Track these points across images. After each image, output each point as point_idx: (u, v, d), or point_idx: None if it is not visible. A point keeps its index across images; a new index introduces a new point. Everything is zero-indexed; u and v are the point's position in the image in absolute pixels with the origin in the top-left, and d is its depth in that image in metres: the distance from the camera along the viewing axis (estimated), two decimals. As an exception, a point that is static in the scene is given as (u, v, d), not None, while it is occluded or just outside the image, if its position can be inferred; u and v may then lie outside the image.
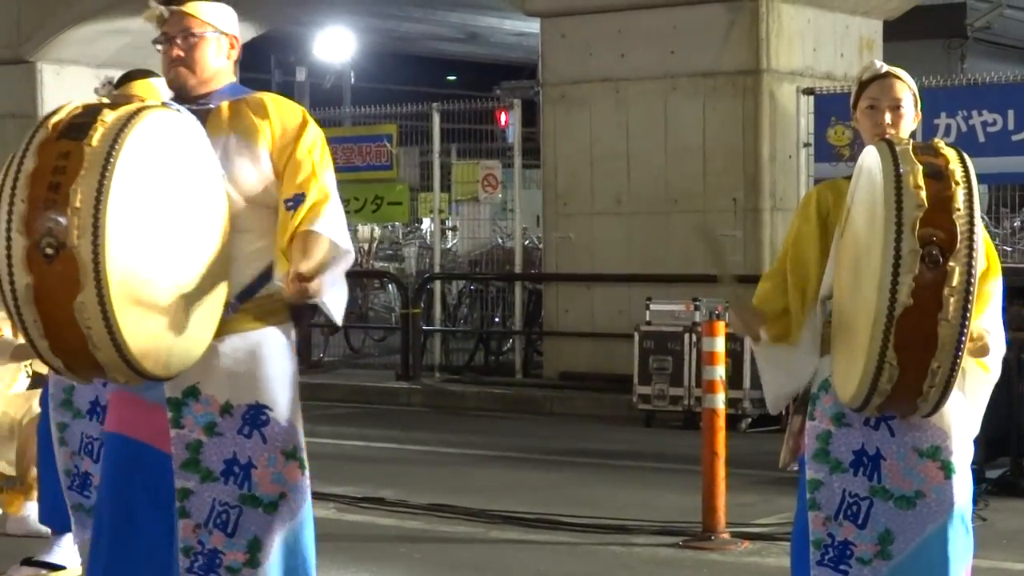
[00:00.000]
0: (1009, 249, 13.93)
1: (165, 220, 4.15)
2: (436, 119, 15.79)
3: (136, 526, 4.47)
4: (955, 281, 4.11)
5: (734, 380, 11.62)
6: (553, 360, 14.69)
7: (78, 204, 3.86)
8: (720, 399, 7.80)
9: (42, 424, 6.58)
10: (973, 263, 4.13)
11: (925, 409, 4.35)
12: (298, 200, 4.43)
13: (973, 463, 4.72)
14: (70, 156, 3.92)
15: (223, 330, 4.42)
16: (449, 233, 17.71)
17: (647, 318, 12.72)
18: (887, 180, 4.19)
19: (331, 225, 4.43)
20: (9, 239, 3.89)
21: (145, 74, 6.52)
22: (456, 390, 14.55)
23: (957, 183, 4.19)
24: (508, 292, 16.12)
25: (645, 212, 13.93)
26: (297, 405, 4.56)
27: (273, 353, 4.51)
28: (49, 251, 3.87)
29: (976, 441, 4.80)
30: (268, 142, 4.48)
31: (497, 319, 16.69)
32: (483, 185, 16.57)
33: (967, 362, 4.57)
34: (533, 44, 17.14)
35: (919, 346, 4.15)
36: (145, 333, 4.05)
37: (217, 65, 4.56)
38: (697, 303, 12.48)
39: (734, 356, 11.58)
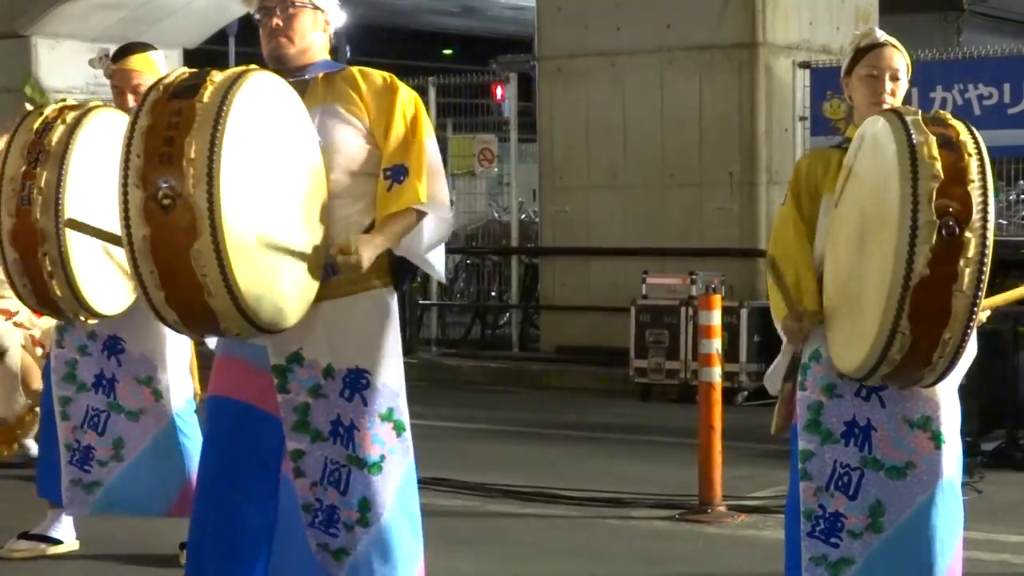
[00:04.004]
0: (1005, 222, 13.94)
1: (272, 176, 4.28)
2: (432, 93, 15.78)
3: (239, 485, 4.59)
4: (971, 252, 4.13)
5: (730, 353, 11.63)
6: (549, 334, 14.70)
7: (193, 155, 4.00)
8: (716, 372, 7.81)
9: (44, 397, 6.58)
10: (988, 234, 4.15)
11: (930, 379, 4.36)
12: (397, 172, 4.54)
13: (968, 435, 4.74)
14: (182, 112, 4.09)
15: (323, 294, 4.52)
16: (445, 207, 17.67)
17: (643, 292, 12.74)
18: (900, 151, 4.19)
19: (430, 201, 4.56)
20: (126, 193, 4.05)
21: (143, 47, 6.52)
22: (453, 364, 14.56)
23: (970, 154, 4.21)
24: (504, 266, 16.11)
25: (641, 186, 13.92)
26: (398, 366, 4.67)
27: (372, 316, 4.62)
28: (166, 202, 4.02)
29: (971, 413, 4.82)
30: (364, 112, 4.59)
31: (493, 293, 16.69)
32: (479, 159, 16.55)
33: None
34: (529, 17, 17.10)
35: (933, 316, 4.16)
36: (258, 282, 4.17)
37: (313, 36, 4.68)
38: (693, 276, 12.50)
39: (730, 329, 11.61)
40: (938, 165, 4.14)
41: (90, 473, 6.23)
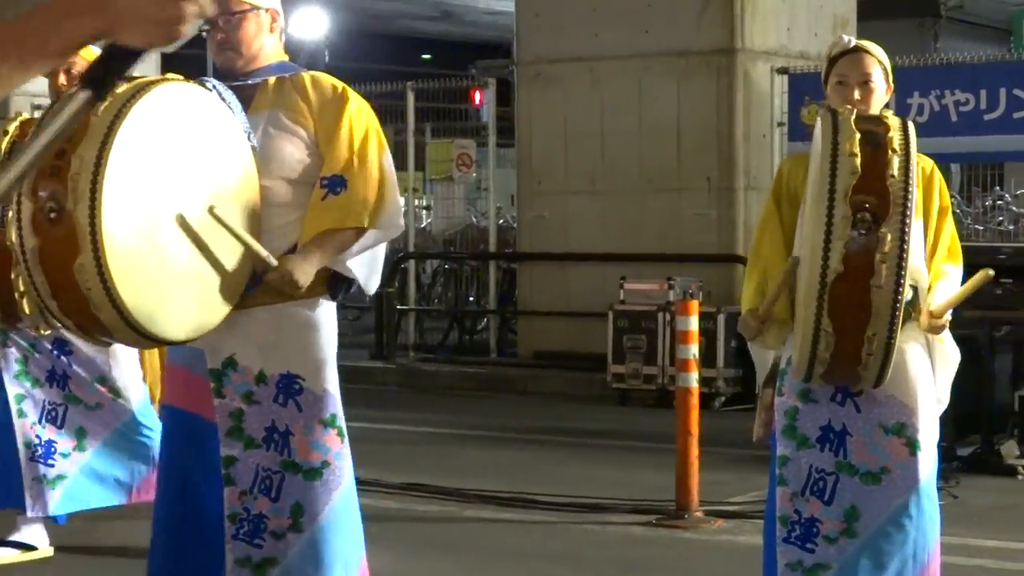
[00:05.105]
0: (981, 228, 13.98)
1: (175, 188, 4.23)
2: (410, 98, 15.76)
3: (190, 492, 4.64)
4: (887, 247, 4.12)
5: (708, 359, 11.64)
6: (527, 339, 14.70)
7: (77, 170, 3.99)
8: (694, 378, 7.81)
9: None
10: (906, 230, 4.14)
11: (868, 377, 4.36)
12: (334, 182, 4.51)
13: (942, 441, 4.75)
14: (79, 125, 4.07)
15: (255, 301, 4.51)
16: (423, 212, 17.69)
17: (621, 297, 12.73)
18: (824, 148, 4.22)
19: (373, 222, 4.54)
20: (19, 203, 4.08)
21: None
22: (430, 369, 14.54)
23: (894, 151, 4.21)
24: (482, 271, 16.11)
25: (619, 191, 13.93)
26: (334, 374, 4.64)
27: (307, 324, 4.60)
28: (52, 215, 4.05)
29: (947, 419, 4.82)
30: (310, 120, 4.56)
31: (471, 298, 16.69)
32: (457, 164, 16.57)
33: (932, 336, 4.60)
34: (508, 23, 17.14)
35: (852, 313, 4.17)
36: (149, 296, 4.16)
37: (261, 40, 4.63)
38: (671, 282, 12.50)
39: (708, 335, 11.61)
40: (857, 161, 4.15)
41: (53, 467, 6.26)
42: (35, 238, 4.05)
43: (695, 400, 7.77)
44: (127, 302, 4.06)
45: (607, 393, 12.71)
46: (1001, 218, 14.10)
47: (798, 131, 13.16)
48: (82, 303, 4.07)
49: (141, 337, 4.21)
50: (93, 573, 6.53)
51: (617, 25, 13.93)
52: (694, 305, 8.13)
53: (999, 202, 14.33)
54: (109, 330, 4.16)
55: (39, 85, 15.67)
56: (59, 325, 4.29)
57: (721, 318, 12.19)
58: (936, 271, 4.58)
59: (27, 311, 5.87)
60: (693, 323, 7.99)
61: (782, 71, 13.52)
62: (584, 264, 14.10)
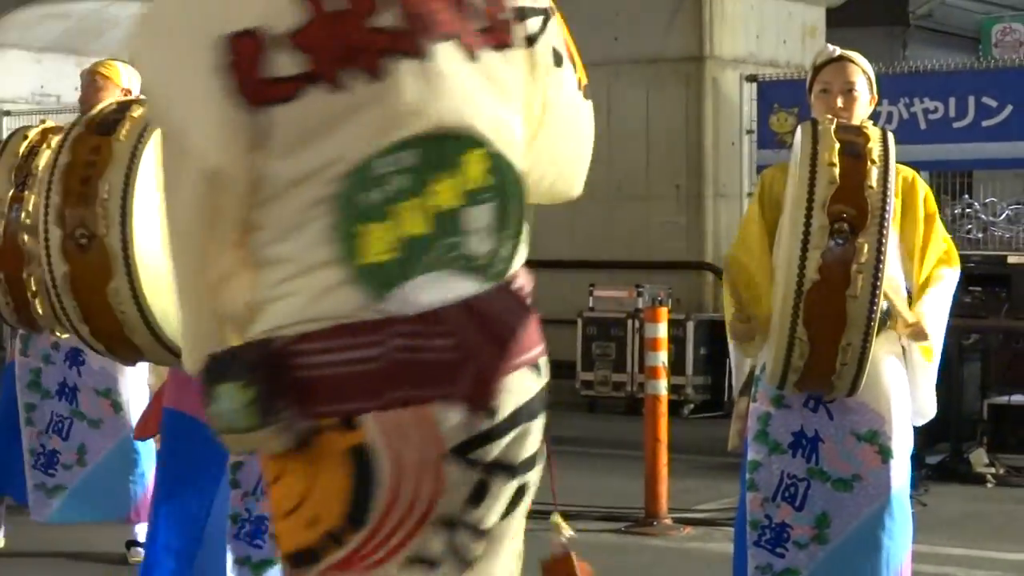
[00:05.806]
0: (950, 236, 14.01)
1: None
2: (379, 104, 15.73)
3: (196, 485, 4.67)
4: (864, 258, 4.13)
5: (676, 366, 11.63)
6: (496, 346, 14.66)
7: (105, 196, 4.08)
8: (662, 385, 7.81)
9: (2, 401, 6.59)
10: (883, 240, 4.15)
11: (841, 387, 4.37)
12: None
13: (912, 448, 4.75)
14: (100, 151, 4.17)
15: None
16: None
17: (590, 304, 12.73)
18: (803, 158, 4.23)
19: None
20: (47, 230, 4.15)
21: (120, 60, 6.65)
22: (399, 376, 14.49)
23: (873, 162, 4.22)
24: (452, 278, 16.08)
25: (588, 198, 13.75)
26: None
27: None
28: (83, 241, 4.11)
29: (916, 426, 4.83)
30: None
31: (441, 305, 16.65)
32: (427, 171, 16.53)
33: (911, 348, 4.60)
34: (477, 30, 17.14)
35: (827, 322, 4.18)
36: (175, 314, 4.17)
37: None
38: (640, 290, 12.51)
39: (676, 342, 11.61)
40: (836, 171, 4.16)
41: (54, 477, 6.35)
42: (65, 264, 4.11)
43: (664, 407, 7.77)
44: (161, 323, 4.12)
45: (576, 400, 12.69)
46: (970, 226, 14.11)
47: (767, 139, 13.19)
48: (115, 327, 4.13)
49: (170, 354, 4.25)
50: (70, 568, 6.54)
51: (586, 32, 13.88)
52: (663, 312, 8.13)
53: (968, 210, 14.34)
54: (141, 351, 4.22)
55: (9, 92, 15.36)
56: (87, 347, 4.36)
57: (690, 325, 12.19)
58: (932, 275, 4.60)
59: (40, 311, 5.93)
60: (662, 330, 7.98)
61: (751, 79, 13.53)
62: (553, 271, 14.04)
